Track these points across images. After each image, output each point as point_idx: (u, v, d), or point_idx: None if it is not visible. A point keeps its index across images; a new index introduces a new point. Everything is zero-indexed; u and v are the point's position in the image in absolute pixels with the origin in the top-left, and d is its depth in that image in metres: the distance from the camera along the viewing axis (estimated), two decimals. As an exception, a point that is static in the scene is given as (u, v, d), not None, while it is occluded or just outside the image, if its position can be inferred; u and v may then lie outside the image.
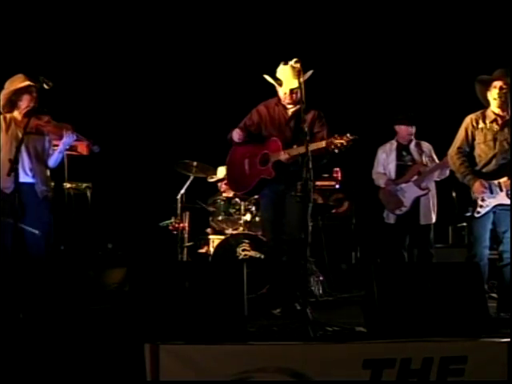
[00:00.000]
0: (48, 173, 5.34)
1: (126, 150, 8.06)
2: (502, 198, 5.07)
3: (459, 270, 4.33)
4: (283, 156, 5.16)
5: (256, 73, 8.23)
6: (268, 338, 4.15)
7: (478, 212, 5.12)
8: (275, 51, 7.40)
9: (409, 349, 3.81)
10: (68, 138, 5.20)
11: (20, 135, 5.07)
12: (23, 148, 5.12)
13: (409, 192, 6.41)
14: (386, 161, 6.63)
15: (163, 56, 8.23)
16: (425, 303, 4.12)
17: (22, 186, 5.04)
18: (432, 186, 6.50)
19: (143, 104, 8.31)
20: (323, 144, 4.96)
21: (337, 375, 3.71)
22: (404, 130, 6.57)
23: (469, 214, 5.23)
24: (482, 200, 5.11)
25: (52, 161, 5.32)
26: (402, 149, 6.58)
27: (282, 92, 5.34)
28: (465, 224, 6.60)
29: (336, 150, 4.89)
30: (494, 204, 5.09)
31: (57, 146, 5.30)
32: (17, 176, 4.72)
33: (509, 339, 3.84)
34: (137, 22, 8.04)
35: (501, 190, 5.08)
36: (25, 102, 5.21)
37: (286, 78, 5.27)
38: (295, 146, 5.11)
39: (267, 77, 5.38)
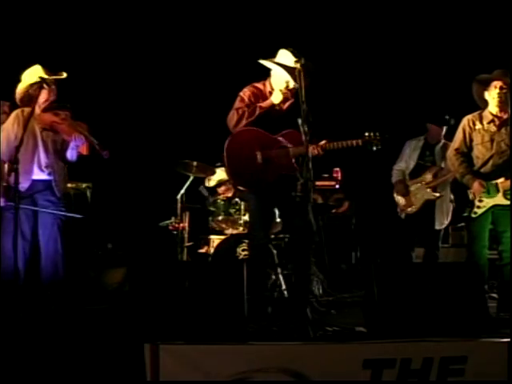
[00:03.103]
0: (66, 170, 5.22)
1: (126, 150, 8.04)
2: (499, 199, 5.08)
3: (459, 270, 4.33)
4: (315, 151, 4.87)
5: (256, 73, 8.24)
6: (268, 338, 4.15)
7: (475, 212, 5.13)
8: (274, 51, 7.45)
9: (409, 349, 3.81)
10: (76, 141, 5.08)
11: (37, 131, 5.00)
12: (40, 143, 5.06)
13: (420, 193, 6.37)
14: (409, 156, 6.56)
15: (163, 56, 8.23)
16: (425, 303, 4.12)
17: (36, 183, 5.04)
18: (448, 191, 6.44)
19: (143, 104, 8.30)
20: (359, 143, 4.89)
21: (337, 375, 3.72)
22: (434, 130, 6.51)
23: (466, 215, 5.23)
24: (479, 201, 5.12)
25: (68, 156, 5.17)
26: (428, 148, 6.52)
27: (286, 81, 5.06)
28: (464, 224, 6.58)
29: (374, 148, 4.88)
30: (491, 204, 5.10)
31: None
32: (17, 175, 4.69)
33: (509, 339, 3.85)
34: (136, 23, 8.04)
35: (498, 191, 5.09)
36: (44, 96, 5.06)
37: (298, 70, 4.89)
38: (324, 142, 4.94)
39: (268, 63, 5.14)
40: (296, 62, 4.85)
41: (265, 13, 8.04)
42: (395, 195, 6.53)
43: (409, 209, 6.42)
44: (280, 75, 5.10)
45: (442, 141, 6.49)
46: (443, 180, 6.32)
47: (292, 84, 5.03)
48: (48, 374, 3.81)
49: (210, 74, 8.23)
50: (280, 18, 8.01)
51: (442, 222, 6.42)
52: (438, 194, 6.31)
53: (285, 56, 5.08)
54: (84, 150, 5.27)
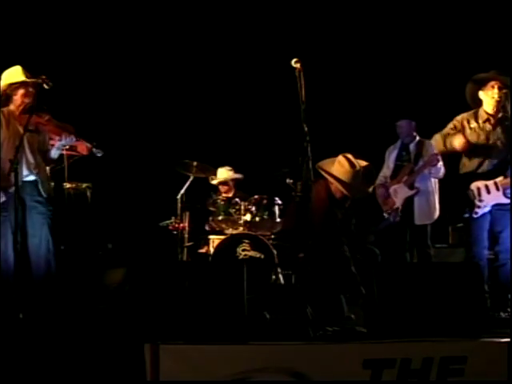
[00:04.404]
0: (48, 170, 5.23)
1: (126, 150, 8.05)
2: (498, 197, 5.08)
3: (459, 270, 4.33)
4: None
5: (255, 73, 8.25)
6: (268, 338, 4.15)
7: (476, 212, 5.12)
8: (273, 51, 7.45)
9: (409, 349, 3.82)
10: (66, 141, 5.08)
11: (21, 131, 4.96)
12: (26, 145, 5.03)
13: (400, 193, 6.40)
14: (388, 160, 6.61)
15: (163, 56, 8.23)
16: (425, 303, 4.12)
17: (25, 184, 5.01)
18: (430, 185, 6.45)
19: (143, 104, 8.31)
20: None
21: (337, 375, 3.72)
22: (404, 127, 6.54)
23: (467, 216, 5.21)
24: (480, 200, 5.11)
25: (53, 149, 5.15)
26: (404, 148, 6.55)
27: (340, 194, 5.23)
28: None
29: None
30: (491, 203, 5.10)
31: (53, 144, 5.16)
32: (17, 175, 4.70)
33: (509, 339, 3.85)
34: (137, 22, 8.04)
35: (497, 190, 5.09)
36: (19, 98, 5.05)
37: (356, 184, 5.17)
38: None
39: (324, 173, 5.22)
40: (296, 62, 4.84)
41: (267, 15, 8.04)
42: (377, 199, 6.57)
43: (390, 211, 6.43)
44: (336, 185, 5.20)
45: (417, 138, 6.52)
46: (417, 174, 6.33)
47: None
48: (48, 373, 3.81)
49: (211, 74, 8.23)
50: (281, 20, 8.02)
51: (427, 216, 6.39)
52: (414, 190, 6.33)
53: (341, 165, 5.16)
54: (84, 150, 5.26)
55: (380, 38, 8.11)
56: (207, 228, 7.44)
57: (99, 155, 5.15)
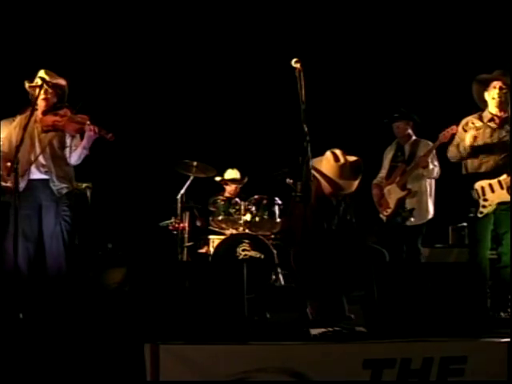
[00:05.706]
0: (69, 169, 5.26)
1: (126, 150, 8.05)
2: (503, 196, 5.08)
3: (459, 270, 4.34)
4: None
5: (255, 72, 8.24)
6: (268, 338, 4.15)
7: (481, 212, 5.12)
8: (274, 51, 7.46)
9: (409, 349, 3.82)
10: (89, 132, 5.10)
11: (35, 133, 5.06)
12: (37, 145, 5.11)
13: (393, 193, 6.40)
14: (385, 161, 6.63)
15: (164, 56, 8.23)
16: (425, 303, 4.13)
17: (34, 183, 5.08)
18: (423, 186, 6.44)
19: (143, 104, 8.30)
20: None
21: (337, 375, 3.72)
22: (398, 128, 6.56)
23: (472, 215, 5.20)
24: (485, 200, 5.11)
25: (74, 157, 5.21)
26: (399, 149, 6.57)
27: (328, 190, 5.05)
28: (465, 224, 6.56)
29: None
30: (496, 202, 5.10)
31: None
32: (17, 175, 4.71)
33: (509, 339, 3.85)
34: (138, 22, 8.04)
35: (501, 188, 5.10)
36: (38, 99, 5.11)
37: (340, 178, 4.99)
38: None
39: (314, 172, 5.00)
40: (296, 62, 4.84)
41: (267, 15, 8.04)
42: (374, 199, 6.57)
43: (384, 212, 6.44)
44: (322, 181, 5.04)
45: (413, 138, 6.52)
46: (409, 175, 6.33)
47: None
48: (48, 373, 3.81)
49: (211, 73, 8.23)
50: (281, 20, 8.02)
51: (420, 218, 6.39)
52: (406, 191, 6.33)
53: (327, 160, 5.02)
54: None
55: (380, 38, 8.11)
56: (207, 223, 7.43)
57: (111, 140, 5.15)
